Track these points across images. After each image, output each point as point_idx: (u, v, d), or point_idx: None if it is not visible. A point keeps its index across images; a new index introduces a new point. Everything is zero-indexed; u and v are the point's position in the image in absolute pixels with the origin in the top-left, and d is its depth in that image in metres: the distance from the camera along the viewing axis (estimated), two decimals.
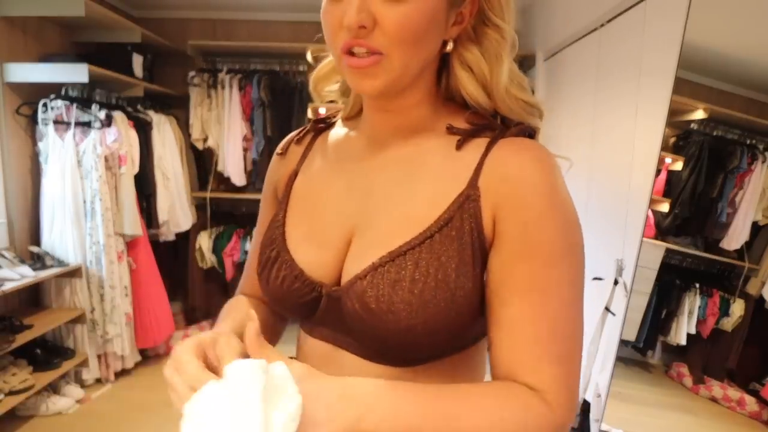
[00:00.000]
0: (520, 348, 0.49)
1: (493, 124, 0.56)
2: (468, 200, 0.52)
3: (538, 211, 0.50)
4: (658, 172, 1.75)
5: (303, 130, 0.70)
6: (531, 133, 0.57)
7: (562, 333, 0.49)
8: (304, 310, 0.59)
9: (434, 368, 0.56)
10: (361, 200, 0.59)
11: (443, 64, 0.59)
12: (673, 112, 1.64)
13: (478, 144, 0.55)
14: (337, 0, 0.51)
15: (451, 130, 0.56)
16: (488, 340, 0.53)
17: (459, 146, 0.55)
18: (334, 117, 0.70)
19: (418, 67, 0.55)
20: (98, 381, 2.72)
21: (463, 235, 0.52)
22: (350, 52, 0.52)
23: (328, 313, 0.57)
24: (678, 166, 1.80)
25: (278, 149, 0.70)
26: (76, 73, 2.53)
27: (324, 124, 0.70)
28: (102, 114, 2.61)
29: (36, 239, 2.69)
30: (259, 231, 0.71)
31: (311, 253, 0.59)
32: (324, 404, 0.44)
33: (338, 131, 0.67)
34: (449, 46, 0.57)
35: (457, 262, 0.51)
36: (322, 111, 3.56)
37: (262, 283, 0.62)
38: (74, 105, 2.57)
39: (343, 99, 0.68)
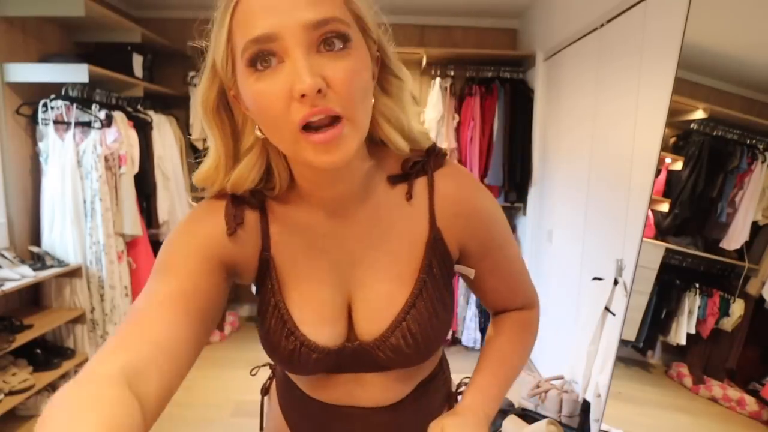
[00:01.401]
0: (504, 297, 0.75)
1: (421, 162, 0.64)
2: (435, 241, 0.64)
3: (487, 226, 0.67)
4: (658, 172, 1.75)
5: (238, 215, 0.61)
6: (444, 154, 0.67)
7: (520, 277, 0.75)
8: (327, 367, 0.66)
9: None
10: (349, 272, 0.65)
11: None
12: (673, 112, 1.64)
13: (419, 185, 0.64)
14: (273, 73, 0.49)
15: (392, 181, 0.64)
16: (479, 298, 0.77)
17: (408, 199, 0.64)
18: (257, 196, 0.63)
19: (369, 116, 0.55)
20: None
21: (442, 269, 0.65)
22: (307, 127, 0.49)
23: (353, 361, 0.67)
24: (678, 166, 1.80)
25: (228, 230, 0.60)
26: (76, 73, 2.53)
27: (259, 202, 0.63)
28: (102, 114, 2.61)
29: (36, 239, 2.69)
30: (153, 293, 0.54)
31: (326, 333, 0.64)
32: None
33: (282, 207, 0.64)
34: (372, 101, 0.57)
35: (445, 292, 0.66)
36: None
37: (288, 365, 0.66)
38: (74, 105, 2.57)
39: (265, 186, 0.63)
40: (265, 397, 0.86)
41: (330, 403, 0.71)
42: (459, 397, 0.77)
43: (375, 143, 0.64)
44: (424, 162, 0.64)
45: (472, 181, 0.68)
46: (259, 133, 0.57)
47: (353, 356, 0.66)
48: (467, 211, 0.65)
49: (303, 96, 0.47)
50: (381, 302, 0.64)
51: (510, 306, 0.77)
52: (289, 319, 0.63)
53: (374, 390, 0.69)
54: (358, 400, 0.70)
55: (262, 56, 0.49)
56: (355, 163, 0.59)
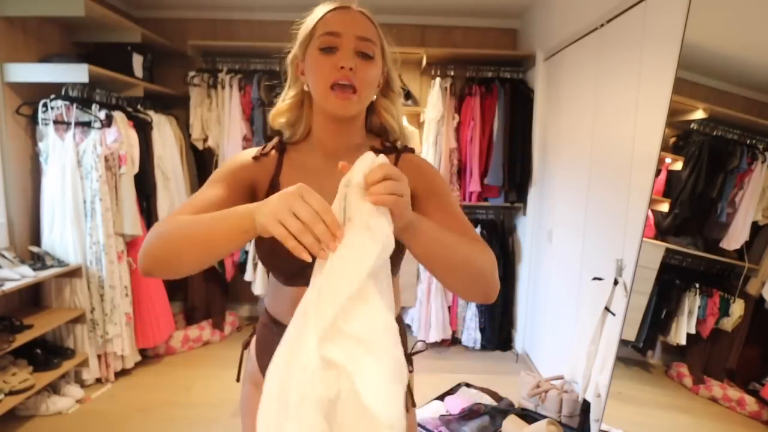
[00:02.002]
0: (455, 231, 0.83)
1: (395, 148, 0.96)
2: None
3: (431, 178, 0.92)
4: (658, 172, 1.75)
5: (266, 147, 0.95)
6: (412, 150, 0.97)
7: (466, 223, 0.88)
8: (299, 269, 0.81)
9: None
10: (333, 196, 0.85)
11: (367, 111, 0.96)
12: (673, 112, 1.64)
13: (390, 158, 0.90)
14: (330, 53, 0.84)
15: (374, 150, 0.82)
16: None
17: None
18: (281, 142, 0.97)
19: (368, 103, 0.91)
20: (98, 381, 2.72)
21: None
22: (335, 87, 0.84)
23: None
24: (678, 166, 1.80)
25: (254, 155, 0.92)
26: (76, 73, 2.54)
27: (280, 145, 0.96)
28: (102, 114, 2.61)
29: (36, 239, 2.69)
30: (211, 194, 0.85)
31: None
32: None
33: (296, 152, 0.95)
34: (374, 97, 0.94)
35: None
36: None
37: (271, 260, 0.89)
38: (74, 105, 2.57)
39: (290, 129, 0.96)
40: (245, 351, 1.04)
41: None
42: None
43: (373, 133, 0.99)
44: (398, 147, 0.97)
45: (424, 160, 0.97)
46: (306, 87, 0.91)
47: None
48: (419, 168, 0.93)
49: (342, 67, 0.83)
50: None
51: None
52: None
53: None
54: None
55: (328, 48, 0.85)
56: (353, 127, 0.93)
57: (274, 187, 0.90)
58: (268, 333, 0.94)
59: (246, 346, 1.04)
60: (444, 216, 0.86)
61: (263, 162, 0.92)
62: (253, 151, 0.93)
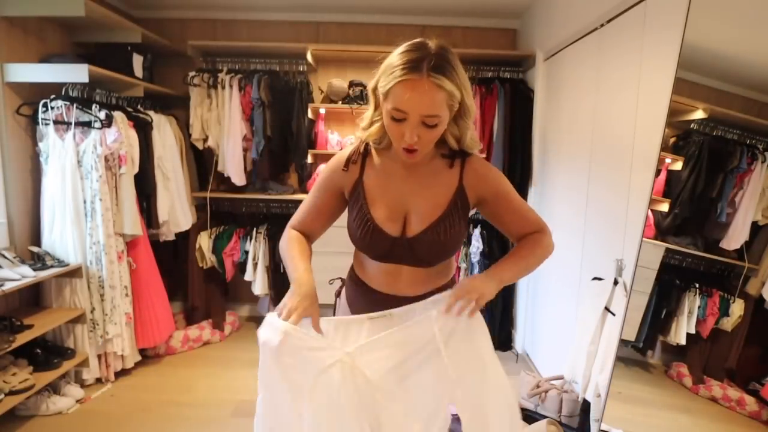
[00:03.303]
0: (518, 225, 1.17)
1: (461, 153, 1.15)
2: (460, 190, 1.14)
3: (497, 182, 1.15)
4: (658, 172, 1.75)
5: (355, 154, 1.17)
6: (471, 154, 1.17)
7: (528, 211, 1.18)
8: (385, 251, 1.15)
9: (441, 265, 1.20)
10: (408, 195, 1.14)
11: None
12: (673, 112, 1.64)
13: (457, 163, 1.15)
14: (399, 122, 1.00)
15: (444, 156, 1.15)
16: (503, 231, 1.21)
17: (451, 165, 1.15)
18: (367, 147, 1.18)
19: (431, 147, 1.10)
20: (98, 381, 2.72)
21: (462, 206, 1.13)
22: (403, 149, 1.04)
23: (402, 251, 1.14)
24: (678, 166, 1.80)
25: (343, 167, 1.17)
26: (76, 73, 2.54)
27: (364, 150, 1.18)
28: (102, 114, 2.61)
29: (36, 239, 2.69)
30: (314, 199, 1.22)
31: (391, 226, 1.13)
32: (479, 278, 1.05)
33: (380, 157, 1.17)
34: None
35: (461, 220, 1.14)
36: (322, 111, 3.57)
37: (363, 244, 1.16)
38: (74, 105, 2.57)
39: (377, 141, 1.15)
40: (337, 298, 1.35)
41: (377, 289, 1.20)
42: None
43: (439, 140, 1.13)
44: (463, 153, 1.15)
45: (488, 164, 1.19)
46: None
47: (401, 246, 1.12)
48: (483, 176, 1.14)
49: (408, 143, 1.02)
50: (424, 215, 1.12)
51: (525, 231, 1.17)
52: (369, 216, 1.13)
53: (407, 282, 1.18)
54: (395, 289, 1.18)
55: (398, 119, 1.00)
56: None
57: (359, 184, 1.16)
58: (360, 291, 1.25)
59: (338, 294, 1.35)
60: (512, 217, 1.16)
61: (351, 169, 1.16)
62: (345, 155, 1.17)
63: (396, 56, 0.98)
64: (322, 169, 1.22)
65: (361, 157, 1.17)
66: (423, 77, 0.94)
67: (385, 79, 0.98)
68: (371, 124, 1.12)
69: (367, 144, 1.17)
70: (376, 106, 1.09)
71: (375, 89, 1.06)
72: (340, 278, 1.38)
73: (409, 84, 0.94)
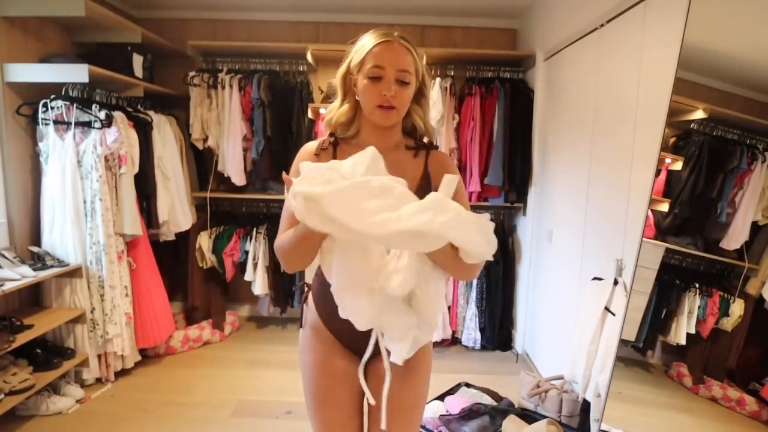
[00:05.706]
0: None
1: (426, 145, 1.25)
2: (425, 176, 1.20)
3: (458, 175, 1.06)
4: (658, 172, 1.75)
5: (324, 142, 1.21)
6: (437, 147, 1.28)
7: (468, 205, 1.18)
8: None
9: None
10: None
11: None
12: (673, 112, 1.64)
13: (421, 153, 1.23)
14: (377, 81, 1.11)
15: (409, 148, 1.24)
16: None
17: (415, 156, 1.23)
18: (332, 137, 1.23)
19: (404, 113, 1.18)
20: (98, 381, 2.72)
21: (426, 189, 1.14)
22: (380, 107, 1.12)
23: None
24: (678, 166, 1.80)
25: (315, 151, 1.20)
26: (76, 73, 2.54)
27: (334, 140, 1.23)
28: (102, 114, 2.61)
29: (36, 239, 2.69)
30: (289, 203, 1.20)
31: None
32: None
33: (348, 146, 1.19)
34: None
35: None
36: (322, 111, 3.56)
37: None
38: (74, 105, 2.57)
39: (345, 129, 1.22)
40: (304, 304, 1.30)
41: None
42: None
43: (406, 133, 1.25)
44: (428, 144, 1.25)
45: (447, 157, 1.28)
46: (358, 98, 1.17)
47: None
48: (446, 165, 1.20)
49: (384, 95, 1.11)
50: None
51: None
52: None
53: None
54: None
55: (375, 77, 1.11)
56: (393, 130, 1.20)
57: None
58: (325, 291, 1.18)
59: (305, 300, 1.31)
60: (459, 200, 1.14)
61: (322, 156, 1.18)
62: (314, 146, 1.21)
63: (366, 36, 1.15)
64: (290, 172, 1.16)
65: (331, 146, 1.21)
66: (395, 41, 1.12)
67: (360, 53, 1.12)
68: (341, 105, 1.20)
69: (334, 135, 1.22)
70: (345, 94, 1.20)
71: (345, 75, 1.17)
72: (305, 283, 1.34)
73: (384, 44, 1.11)
